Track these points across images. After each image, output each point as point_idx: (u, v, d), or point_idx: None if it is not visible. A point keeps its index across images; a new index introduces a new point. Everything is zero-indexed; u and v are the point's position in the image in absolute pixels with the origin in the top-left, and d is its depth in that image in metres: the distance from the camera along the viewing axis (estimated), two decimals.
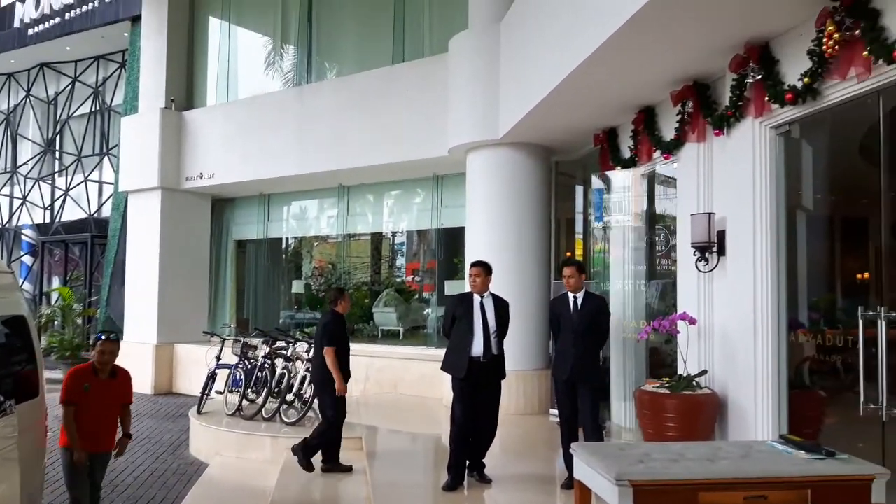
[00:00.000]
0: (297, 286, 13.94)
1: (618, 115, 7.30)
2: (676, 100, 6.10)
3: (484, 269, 5.72)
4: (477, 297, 5.68)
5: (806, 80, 4.56)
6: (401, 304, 12.38)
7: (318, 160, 11.10)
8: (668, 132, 6.43)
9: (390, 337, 12.02)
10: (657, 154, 6.71)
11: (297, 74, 12.55)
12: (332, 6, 12.10)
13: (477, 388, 5.59)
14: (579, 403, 5.45)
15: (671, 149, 6.38)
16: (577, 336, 5.45)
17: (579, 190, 10.48)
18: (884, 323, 4.22)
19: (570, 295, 5.62)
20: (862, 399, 4.28)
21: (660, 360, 7.48)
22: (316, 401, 6.80)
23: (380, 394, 10.21)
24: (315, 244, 14.42)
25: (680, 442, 3.69)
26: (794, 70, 4.75)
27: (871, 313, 4.32)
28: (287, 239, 14.17)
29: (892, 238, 5.41)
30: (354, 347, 6.83)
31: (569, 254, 10.76)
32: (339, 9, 12.06)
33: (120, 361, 5.32)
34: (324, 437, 6.30)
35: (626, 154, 7.35)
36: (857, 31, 4.12)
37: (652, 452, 3.26)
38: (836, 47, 4.27)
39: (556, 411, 6.52)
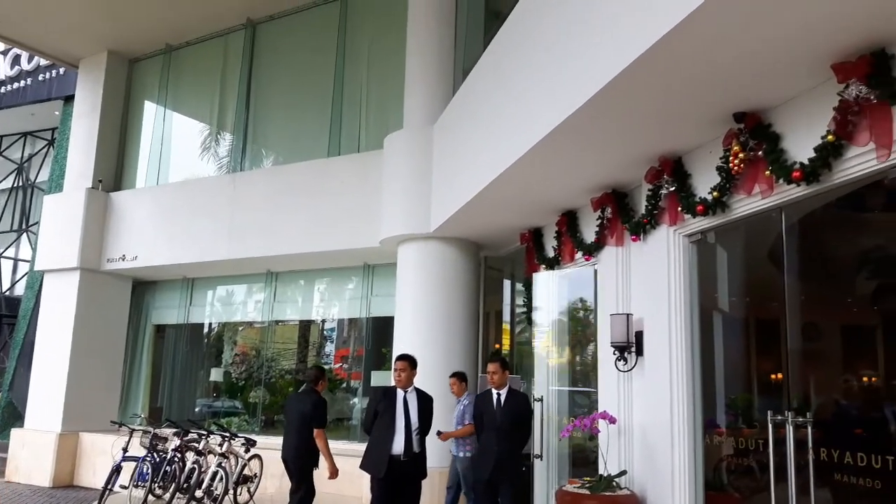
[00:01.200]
0: (216, 374, 13.47)
1: (543, 217, 7.59)
2: (596, 205, 6.42)
3: (409, 363, 5.71)
4: (400, 392, 5.63)
5: (715, 193, 4.89)
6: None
7: (248, 246, 11.00)
8: (590, 235, 6.72)
9: None
10: (579, 255, 6.98)
11: (231, 161, 12.59)
12: (270, 97, 12.32)
13: (396, 488, 5.45)
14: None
15: (592, 251, 6.65)
16: (500, 434, 5.45)
17: (507, 284, 10.69)
18: (791, 427, 4.39)
19: (494, 391, 5.65)
20: (773, 501, 4.38)
21: (585, 458, 7.50)
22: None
23: None
24: (240, 329, 14.05)
25: None
26: (704, 184, 5.09)
27: (779, 418, 4.49)
28: (210, 324, 13.78)
29: (802, 341, 5.72)
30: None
31: (497, 346, 10.81)
32: (277, 100, 12.30)
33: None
34: None
35: (551, 253, 7.60)
36: (760, 152, 4.49)
37: None
38: (742, 165, 4.63)
39: None
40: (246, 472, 8.64)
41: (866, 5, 3.35)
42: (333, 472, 6.12)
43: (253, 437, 9.18)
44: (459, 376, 5.77)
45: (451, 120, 8.10)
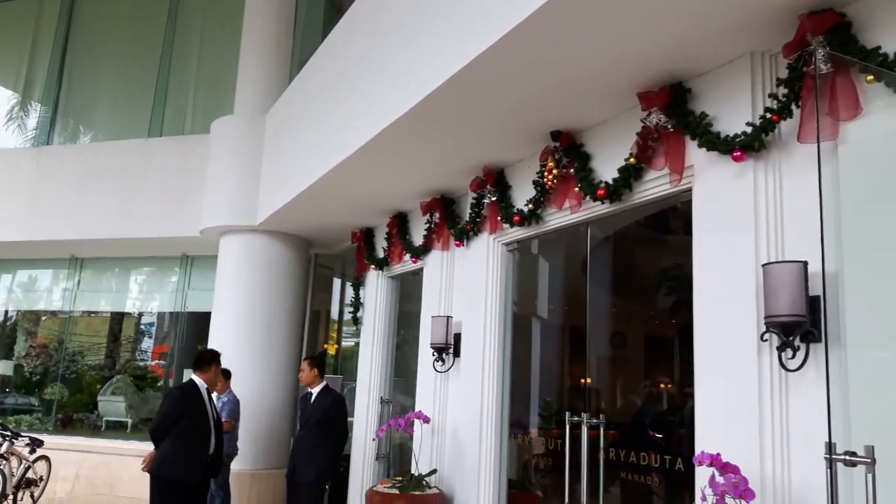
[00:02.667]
0: (5, 367, 12.11)
1: (375, 217, 7.56)
2: (425, 210, 6.50)
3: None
4: (204, 394, 5.43)
5: (531, 206, 5.11)
6: (132, 392, 11.24)
7: (50, 228, 9.98)
8: (418, 238, 6.79)
9: (117, 429, 10.80)
10: (407, 257, 7.02)
11: (39, 134, 11.39)
12: (88, 68, 11.31)
13: (194, 492, 5.21)
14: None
15: (419, 254, 6.72)
16: (304, 431, 5.37)
17: (337, 283, 10.56)
18: (586, 428, 4.67)
19: (310, 390, 5.56)
20: (567, 499, 4.64)
21: (406, 458, 7.56)
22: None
23: (91, 495, 8.99)
24: (43, 318, 12.72)
25: None
26: (522, 196, 5.31)
27: (576, 419, 4.77)
28: (7, 312, 12.39)
29: (609, 349, 6.11)
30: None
31: (326, 346, 10.65)
32: (96, 71, 11.31)
33: None
34: None
35: (381, 254, 7.59)
36: (572, 170, 4.74)
37: None
38: (555, 181, 4.87)
39: None
40: (30, 474, 7.84)
41: (667, 43, 3.65)
42: None
43: (44, 436, 8.35)
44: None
45: (284, 110, 7.85)
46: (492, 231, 5.64)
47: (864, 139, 3.10)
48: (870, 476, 2.15)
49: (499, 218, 5.47)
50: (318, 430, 5.44)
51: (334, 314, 10.50)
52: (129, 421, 10.83)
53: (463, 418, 5.77)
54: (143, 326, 12.78)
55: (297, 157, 7.18)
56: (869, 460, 2.15)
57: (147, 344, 12.83)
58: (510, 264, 5.75)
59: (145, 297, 11.31)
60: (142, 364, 12.43)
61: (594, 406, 4.92)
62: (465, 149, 5.31)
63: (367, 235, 8.01)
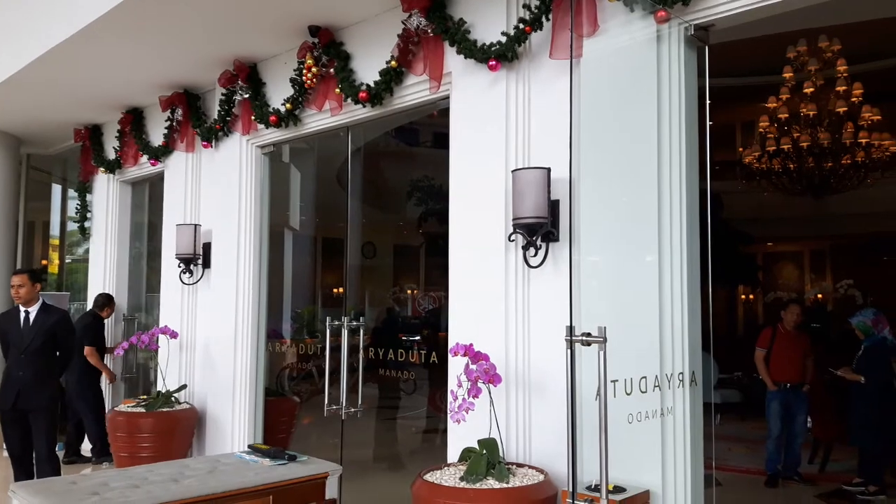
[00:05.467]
0: None
1: (103, 113, 6.69)
2: (165, 106, 5.88)
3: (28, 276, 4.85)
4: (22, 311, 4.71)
5: (288, 105, 4.86)
6: None
7: None
8: (158, 137, 6.16)
9: None
10: (144, 159, 6.37)
11: None
12: None
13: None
14: (33, 435, 4.76)
15: (159, 155, 6.13)
16: (26, 357, 4.77)
17: (57, 190, 9.34)
18: (346, 331, 4.73)
19: (22, 309, 4.90)
20: (326, 401, 4.71)
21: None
22: None
23: None
24: None
25: (146, 465, 3.47)
26: (279, 94, 5.02)
27: (336, 323, 4.81)
28: None
29: (360, 258, 6.20)
30: None
31: (45, 262, 9.52)
32: None
33: None
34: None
35: (112, 156, 6.79)
36: (332, 69, 4.57)
37: (111, 481, 2.97)
38: (315, 80, 4.67)
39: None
40: None
41: None
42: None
43: None
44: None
45: None
46: (245, 132, 5.30)
47: (600, 54, 3.37)
48: (601, 353, 2.45)
49: (253, 117, 5.14)
50: (46, 352, 4.85)
51: (55, 226, 9.33)
52: None
53: (215, 331, 5.51)
54: None
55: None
56: (601, 339, 2.45)
57: None
58: (266, 168, 5.48)
59: None
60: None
61: (348, 313, 5.00)
62: (211, 38, 4.84)
63: (93, 133, 7.09)
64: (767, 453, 6.08)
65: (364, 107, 4.41)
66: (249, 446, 3.46)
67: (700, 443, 3.19)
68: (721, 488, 5.76)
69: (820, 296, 13.09)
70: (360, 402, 4.60)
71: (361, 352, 4.64)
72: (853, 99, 7.93)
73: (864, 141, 8.17)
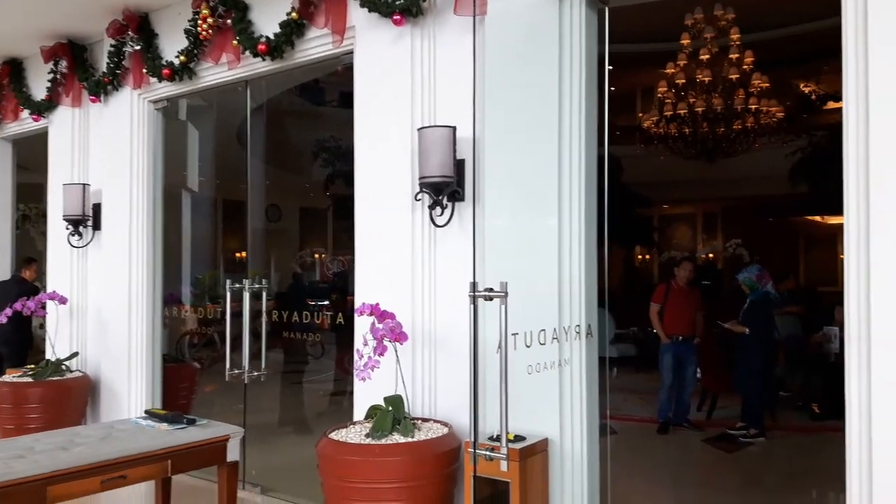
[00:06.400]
0: None
1: None
2: (48, 56, 5.47)
3: None
4: None
5: (182, 58, 4.62)
6: None
7: None
8: (40, 91, 5.74)
9: None
10: (26, 114, 5.92)
11: None
12: None
13: None
14: None
15: (42, 110, 5.71)
16: None
17: None
18: (248, 294, 4.61)
19: None
20: (228, 365, 4.61)
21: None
22: None
23: None
24: None
25: (32, 434, 3.30)
26: (172, 46, 4.76)
27: (237, 286, 4.68)
28: None
29: (264, 221, 6.03)
30: None
31: None
32: None
33: None
34: None
35: None
36: (229, 21, 4.37)
37: None
38: (210, 31, 4.46)
39: None
40: None
41: None
42: None
43: None
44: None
45: None
46: (136, 86, 5.01)
47: (503, 12, 3.36)
48: (503, 307, 2.50)
49: (144, 70, 4.86)
50: None
51: None
52: None
53: (108, 296, 5.26)
54: None
55: None
56: (503, 294, 2.50)
57: None
58: (158, 124, 5.21)
59: None
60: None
61: (252, 277, 4.89)
62: None
63: None
64: (660, 402, 6.43)
65: (263, 60, 4.25)
66: (146, 411, 3.34)
67: (595, 392, 3.33)
68: (617, 436, 6.10)
69: (711, 255, 13.84)
70: (262, 366, 4.52)
71: (265, 315, 4.55)
72: (745, 66, 8.32)
73: (753, 107, 8.61)
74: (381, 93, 3.80)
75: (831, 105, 9.70)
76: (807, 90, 9.70)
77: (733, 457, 5.65)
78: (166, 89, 4.95)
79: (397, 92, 3.71)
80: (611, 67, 3.45)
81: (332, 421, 3.46)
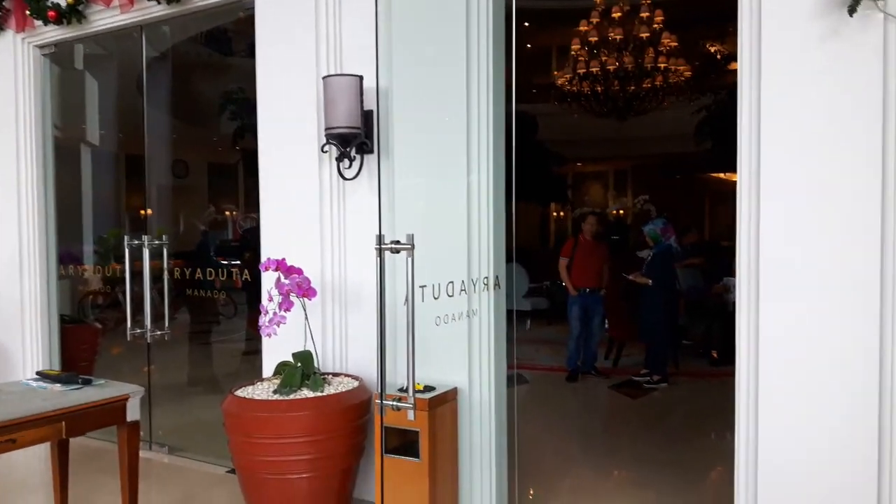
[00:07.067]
0: None
1: None
2: None
3: None
4: None
5: (70, 0, 4.31)
6: None
7: None
8: None
9: None
10: None
11: None
12: None
13: None
14: None
15: None
16: None
17: None
18: (147, 252, 4.43)
19: None
20: (129, 325, 4.44)
21: None
22: None
23: None
24: None
25: None
26: None
27: (136, 242, 4.48)
28: None
29: (171, 177, 5.77)
30: None
31: None
32: None
33: None
34: None
35: None
36: None
37: None
38: None
39: None
40: None
41: None
42: None
43: None
44: None
45: None
46: (19, 28, 4.64)
47: None
48: (410, 259, 2.49)
49: (28, 12, 4.50)
50: None
51: None
52: None
53: None
54: None
55: None
56: (410, 246, 2.48)
57: None
58: (47, 72, 4.86)
59: None
60: None
61: (158, 235, 4.70)
62: None
63: None
64: (568, 352, 6.65)
65: (159, 3, 4.02)
66: (38, 373, 3.18)
67: (504, 343, 3.39)
68: (528, 385, 6.30)
69: (622, 211, 14.28)
70: (166, 325, 4.38)
71: (166, 273, 4.39)
72: (654, 25, 8.49)
73: (662, 66, 8.83)
74: (285, 40, 3.66)
75: (734, 66, 10.05)
76: (713, 49, 10.01)
77: (638, 402, 5.92)
78: (54, 33, 4.61)
79: (301, 38, 3.58)
80: (527, 24, 3.43)
81: (244, 380, 3.40)
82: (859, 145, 2.38)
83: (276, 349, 3.47)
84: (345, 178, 3.49)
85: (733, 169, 2.68)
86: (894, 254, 2.37)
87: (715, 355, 6.98)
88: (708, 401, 5.81)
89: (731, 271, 7.19)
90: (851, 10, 2.27)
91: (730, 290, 7.09)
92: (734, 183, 2.69)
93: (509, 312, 3.47)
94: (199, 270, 4.61)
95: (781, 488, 2.55)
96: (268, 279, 3.44)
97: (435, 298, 2.99)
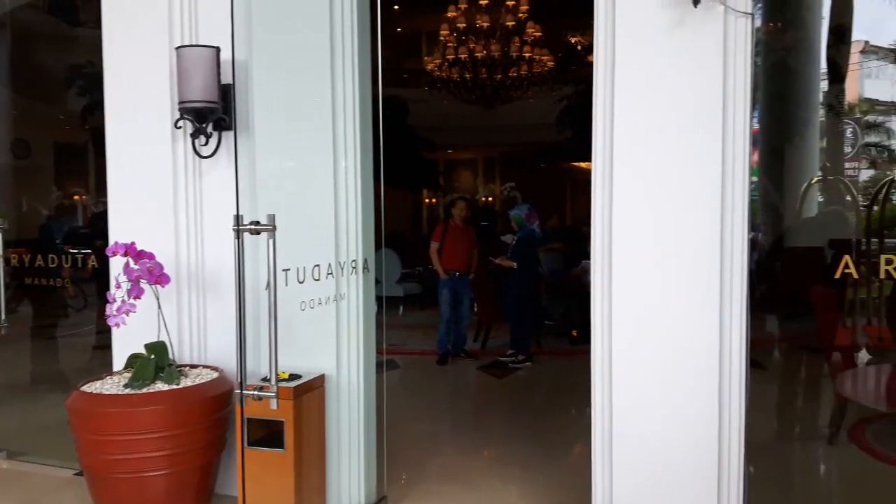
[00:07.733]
0: None
1: None
2: None
3: None
4: None
5: None
6: None
7: None
8: None
9: None
10: None
11: None
12: None
13: None
14: None
15: None
16: None
17: None
18: None
19: None
20: None
21: None
22: None
23: None
24: None
25: None
26: None
27: None
28: None
29: (10, 157, 5.25)
30: None
31: None
32: None
33: None
34: None
35: None
36: None
37: None
38: None
39: None
40: None
41: None
42: None
43: None
44: None
45: None
46: None
47: None
48: (271, 241, 2.39)
49: None
50: None
51: None
52: None
53: None
54: None
55: None
56: (271, 227, 2.38)
57: None
58: None
59: None
60: None
61: None
62: None
63: None
64: (439, 335, 6.72)
65: None
66: None
67: (372, 327, 3.35)
68: (399, 370, 6.31)
69: (491, 198, 14.61)
70: (2, 317, 3.99)
71: (1, 261, 4.00)
72: (520, 15, 8.70)
73: (527, 55, 9.07)
74: (134, 6, 3.39)
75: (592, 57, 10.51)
76: (573, 41, 10.40)
77: (503, 381, 6.08)
78: None
79: (153, 6, 3.33)
80: (396, 7, 3.37)
81: (95, 376, 3.15)
82: (704, 133, 2.53)
83: (127, 341, 3.24)
84: (201, 157, 3.30)
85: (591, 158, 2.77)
86: (732, 239, 2.55)
87: (575, 334, 7.29)
88: (569, 378, 6.06)
89: (589, 255, 7.57)
90: (696, 1, 2.40)
91: (588, 272, 7.40)
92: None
93: (379, 298, 3.43)
94: (43, 259, 4.24)
95: (634, 456, 2.69)
96: (116, 265, 3.20)
97: (300, 283, 2.90)
